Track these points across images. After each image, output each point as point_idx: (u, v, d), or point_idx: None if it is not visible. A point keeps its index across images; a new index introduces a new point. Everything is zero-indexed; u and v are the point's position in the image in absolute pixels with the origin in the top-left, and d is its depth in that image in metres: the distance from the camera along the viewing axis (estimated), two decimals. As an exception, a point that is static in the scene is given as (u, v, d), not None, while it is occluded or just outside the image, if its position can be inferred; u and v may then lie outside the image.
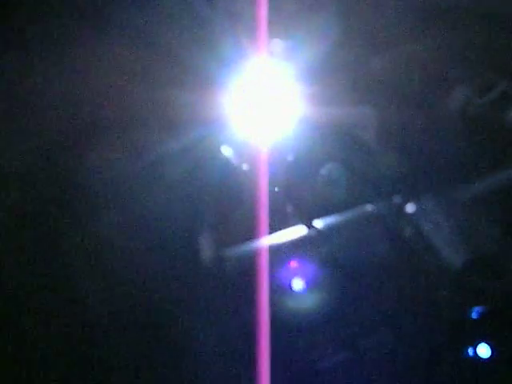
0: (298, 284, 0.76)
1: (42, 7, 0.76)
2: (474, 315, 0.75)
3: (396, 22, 0.86)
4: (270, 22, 0.80)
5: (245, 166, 0.87)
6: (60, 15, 0.73)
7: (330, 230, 0.67)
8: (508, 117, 0.74)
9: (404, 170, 0.82)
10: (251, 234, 0.79)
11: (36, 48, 0.78)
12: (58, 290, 0.77)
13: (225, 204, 0.85)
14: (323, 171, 0.84)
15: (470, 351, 0.79)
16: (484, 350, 0.78)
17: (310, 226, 0.70)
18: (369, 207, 0.70)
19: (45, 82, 0.79)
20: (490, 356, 0.78)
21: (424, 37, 0.80)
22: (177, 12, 0.85)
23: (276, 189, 0.85)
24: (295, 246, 0.66)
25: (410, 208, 0.68)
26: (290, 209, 0.81)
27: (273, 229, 0.80)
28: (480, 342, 0.78)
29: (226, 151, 0.85)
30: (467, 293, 0.61)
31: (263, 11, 0.81)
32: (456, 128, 0.83)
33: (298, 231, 0.69)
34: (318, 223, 0.69)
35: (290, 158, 0.86)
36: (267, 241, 0.68)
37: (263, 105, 0.86)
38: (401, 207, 0.68)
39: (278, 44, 0.84)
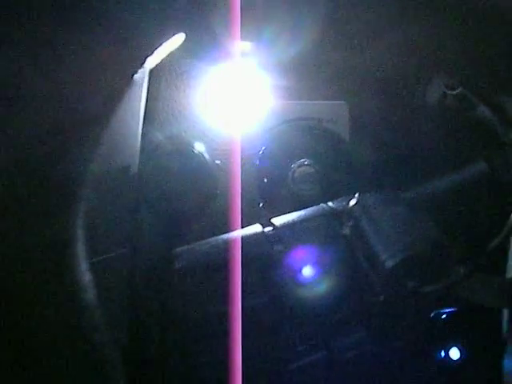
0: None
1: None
2: (444, 318, 0.73)
3: (371, 17, 0.84)
4: (243, 18, 0.79)
5: (217, 162, 0.87)
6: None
7: (286, 228, 0.66)
8: (476, 111, 0.71)
9: (376, 165, 0.80)
10: (224, 230, 0.78)
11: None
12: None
13: (198, 199, 0.85)
14: (295, 166, 0.82)
15: (441, 353, 0.77)
16: (455, 353, 0.77)
17: (267, 224, 0.68)
18: (329, 205, 0.68)
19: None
20: (461, 358, 0.76)
21: (400, 29, 0.78)
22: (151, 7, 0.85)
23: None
24: (249, 245, 0.65)
25: (351, 203, 0.66)
26: (261, 204, 0.79)
27: (246, 225, 0.79)
28: (451, 345, 0.76)
29: (199, 147, 0.85)
30: (400, 294, 0.59)
31: (236, 8, 0.80)
32: (432, 122, 0.81)
33: (254, 229, 0.68)
34: (277, 221, 0.68)
35: (261, 152, 0.84)
36: (220, 239, 0.67)
37: (235, 100, 0.85)
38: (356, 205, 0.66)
39: (250, 41, 0.83)
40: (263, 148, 0.86)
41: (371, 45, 0.83)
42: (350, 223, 0.66)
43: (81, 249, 0.47)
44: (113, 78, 0.43)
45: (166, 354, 0.78)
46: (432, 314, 0.73)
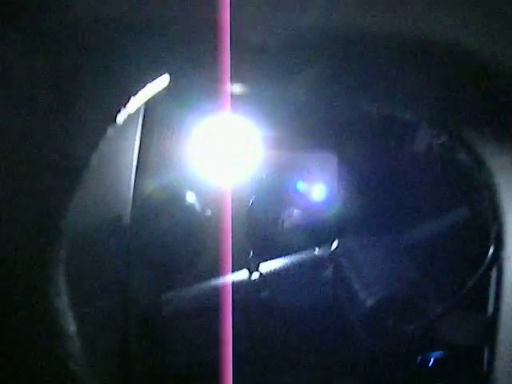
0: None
1: None
2: (431, 362, 0.73)
3: (360, 69, 0.86)
4: (232, 70, 0.81)
5: (208, 212, 0.88)
6: None
7: (272, 275, 0.66)
8: (461, 160, 0.73)
9: (362, 212, 0.81)
10: (215, 277, 0.79)
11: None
12: None
13: (188, 249, 0.85)
14: (283, 216, 0.84)
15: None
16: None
17: (254, 270, 0.69)
18: (314, 251, 0.69)
19: None
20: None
21: (388, 80, 0.80)
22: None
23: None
24: (235, 291, 0.65)
25: (333, 247, 0.67)
26: (251, 254, 0.80)
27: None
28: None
29: (190, 197, 0.86)
30: (379, 334, 0.59)
31: (226, 58, 0.82)
32: (419, 170, 0.82)
33: (241, 275, 0.69)
34: (264, 267, 0.68)
35: (251, 202, 0.86)
36: (208, 285, 0.68)
37: (225, 150, 0.87)
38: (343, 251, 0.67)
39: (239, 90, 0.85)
40: (253, 198, 0.87)
41: (360, 96, 0.85)
42: (332, 266, 0.67)
43: (66, 299, 0.47)
44: (95, 119, 0.44)
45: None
46: (418, 359, 0.73)
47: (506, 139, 0.40)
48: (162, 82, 0.46)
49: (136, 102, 0.44)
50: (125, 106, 0.42)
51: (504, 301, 0.40)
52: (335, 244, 0.69)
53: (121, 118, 0.43)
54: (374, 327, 0.61)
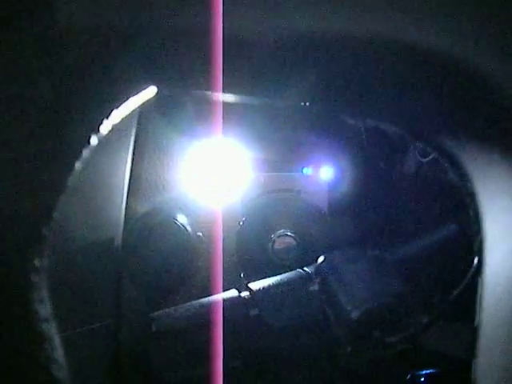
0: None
1: None
2: (421, 380, 0.73)
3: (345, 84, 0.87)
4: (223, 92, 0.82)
5: (199, 233, 0.88)
6: None
7: (261, 293, 0.67)
8: (449, 177, 0.74)
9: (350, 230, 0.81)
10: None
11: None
12: None
13: (180, 270, 0.86)
14: (274, 236, 0.84)
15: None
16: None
17: (243, 289, 0.69)
18: (304, 270, 0.70)
19: None
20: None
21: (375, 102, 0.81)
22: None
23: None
24: (225, 309, 0.66)
25: (319, 261, 0.68)
26: (242, 274, 0.81)
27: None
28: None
29: (182, 219, 0.87)
30: (366, 345, 0.59)
31: (218, 80, 0.83)
32: (409, 189, 0.83)
33: (230, 293, 0.69)
34: (254, 286, 0.69)
35: (241, 223, 0.86)
36: (197, 304, 0.68)
37: (216, 173, 0.88)
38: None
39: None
40: (243, 219, 0.88)
41: (347, 120, 0.86)
42: (318, 280, 0.67)
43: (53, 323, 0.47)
44: (79, 130, 0.45)
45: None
46: (409, 376, 0.73)
47: (486, 147, 0.40)
48: (149, 93, 0.46)
49: (120, 114, 0.45)
50: (108, 118, 0.42)
51: (485, 311, 0.40)
52: (321, 258, 0.69)
53: (104, 129, 0.43)
54: (360, 339, 0.61)
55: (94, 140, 0.46)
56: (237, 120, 0.87)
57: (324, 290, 0.67)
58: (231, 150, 0.88)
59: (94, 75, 0.43)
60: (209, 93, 0.46)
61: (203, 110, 0.89)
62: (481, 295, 0.42)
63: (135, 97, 0.49)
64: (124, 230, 0.86)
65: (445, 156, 0.49)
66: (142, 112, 0.90)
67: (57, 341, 0.47)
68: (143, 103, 0.51)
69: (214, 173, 0.89)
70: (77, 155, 0.43)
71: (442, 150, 0.45)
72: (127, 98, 0.49)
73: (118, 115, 0.47)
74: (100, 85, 0.44)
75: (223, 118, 0.83)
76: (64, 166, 0.44)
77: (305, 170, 0.89)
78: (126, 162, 0.88)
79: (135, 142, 0.88)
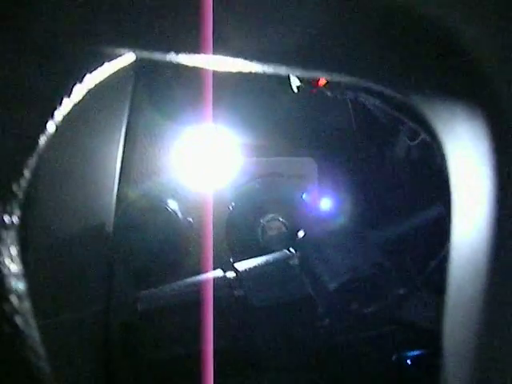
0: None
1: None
2: (408, 361, 0.72)
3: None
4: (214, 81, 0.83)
5: (190, 219, 0.89)
6: None
7: (247, 274, 0.67)
8: (435, 159, 0.74)
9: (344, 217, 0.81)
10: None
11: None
12: None
13: (170, 254, 0.86)
14: (263, 221, 0.84)
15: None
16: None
17: (228, 269, 0.70)
18: (289, 250, 0.70)
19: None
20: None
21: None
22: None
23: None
24: (210, 289, 0.66)
25: (299, 235, 0.68)
26: (231, 259, 0.81)
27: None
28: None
29: (172, 205, 0.87)
30: (344, 316, 0.59)
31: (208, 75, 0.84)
32: (398, 172, 0.83)
33: (216, 274, 0.69)
34: (239, 266, 0.69)
35: (230, 208, 0.87)
36: (183, 283, 0.68)
37: (206, 158, 0.88)
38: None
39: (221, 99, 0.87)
40: (233, 204, 0.88)
41: (337, 101, 0.86)
42: (298, 254, 0.67)
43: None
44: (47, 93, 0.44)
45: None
46: (394, 358, 0.72)
47: (453, 105, 0.40)
48: (127, 60, 0.46)
49: (94, 79, 0.44)
50: (81, 82, 0.42)
51: (451, 281, 0.40)
52: (302, 233, 0.69)
53: (77, 93, 0.43)
54: (338, 309, 0.61)
55: (65, 107, 0.46)
56: (226, 105, 0.88)
57: (303, 264, 0.67)
58: (221, 136, 0.88)
59: (62, 40, 0.43)
60: (197, 56, 0.44)
61: (193, 95, 0.90)
62: (448, 265, 0.41)
63: (110, 63, 0.48)
64: (115, 215, 0.87)
65: (414, 116, 0.49)
66: (133, 99, 0.90)
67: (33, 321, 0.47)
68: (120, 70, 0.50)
69: (203, 158, 0.89)
70: (48, 114, 0.43)
71: (410, 109, 0.44)
72: (101, 64, 0.48)
73: (91, 81, 0.47)
74: (70, 48, 0.44)
75: (213, 103, 0.84)
76: (33, 128, 0.44)
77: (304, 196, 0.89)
78: (118, 148, 0.88)
79: (127, 128, 0.89)
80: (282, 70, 0.40)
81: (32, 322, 0.45)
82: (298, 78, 0.86)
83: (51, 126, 0.48)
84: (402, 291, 0.59)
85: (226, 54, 0.43)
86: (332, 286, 0.60)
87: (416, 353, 0.72)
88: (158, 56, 0.49)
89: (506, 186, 0.36)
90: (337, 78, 0.39)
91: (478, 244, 0.37)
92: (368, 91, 0.48)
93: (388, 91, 0.40)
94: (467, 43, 0.34)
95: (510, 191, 0.36)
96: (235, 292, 0.69)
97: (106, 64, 0.48)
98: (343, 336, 0.66)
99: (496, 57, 0.34)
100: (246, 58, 0.43)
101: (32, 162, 0.44)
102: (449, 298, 0.40)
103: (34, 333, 0.43)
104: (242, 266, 0.71)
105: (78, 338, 0.88)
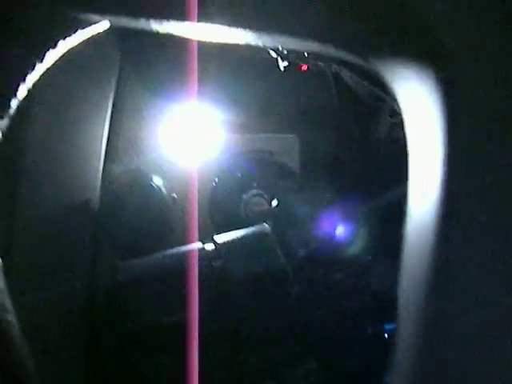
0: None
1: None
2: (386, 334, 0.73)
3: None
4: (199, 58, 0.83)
5: (174, 195, 0.90)
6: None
7: (225, 245, 0.68)
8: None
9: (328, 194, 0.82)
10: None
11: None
12: None
13: (155, 229, 0.87)
14: (246, 196, 0.85)
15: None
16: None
17: (207, 242, 0.70)
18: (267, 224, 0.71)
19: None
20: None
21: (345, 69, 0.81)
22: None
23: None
24: (189, 261, 0.67)
25: (273, 204, 0.69)
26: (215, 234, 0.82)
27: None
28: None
29: (157, 181, 0.88)
30: (313, 282, 0.60)
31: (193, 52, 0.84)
32: (380, 150, 0.83)
33: (195, 246, 0.70)
34: (219, 238, 0.70)
35: (214, 182, 0.87)
36: (161, 255, 0.69)
37: (191, 135, 0.89)
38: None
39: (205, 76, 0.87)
40: (216, 180, 0.89)
41: (320, 80, 0.87)
42: (271, 223, 0.68)
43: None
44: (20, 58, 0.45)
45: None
46: (371, 331, 0.73)
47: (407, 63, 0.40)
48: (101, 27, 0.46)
49: (67, 45, 0.45)
50: (54, 47, 0.42)
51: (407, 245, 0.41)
52: (275, 202, 0.70)
53: (50, 58, 0.43)
54: (307, 275, 0.62)
55: (37, 72, 0.47)
56: (211, 82, 0.89)
57: (276, 232, 0.68)
58: (205, 112, 0.89)
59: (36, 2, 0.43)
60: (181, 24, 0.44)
61: (179, 71, 0.90)
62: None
63: (84, 30, 0.48)
64: (100, 191, 0.88)
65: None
66: (120, 76, 0.91)
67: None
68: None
69: (188, 135, 0.90)
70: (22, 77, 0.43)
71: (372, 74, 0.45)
72: (75, 31, 0.48)
73: (64, 47, 0.47)
74: (43, 12, 0.44)
75: (198, 79, 0.84)
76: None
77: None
78: (104, 125, 0.89)
79: (113, 105, 0.90)
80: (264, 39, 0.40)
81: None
82: (285, 58, 0.87)
83: (23, 91, 0.49)
84: (369, 258, 0.60)
85: (210, 21, 0.44)
86: (301, 253, 0.61)
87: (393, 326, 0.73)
88: (135, 24, 0.50)
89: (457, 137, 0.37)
90: (299, 45, 0.40)
91: (431, 205, 0.38)
92: (331, 59, 0.48)
93: (350, 57, 0.41)
94: (419, 6, 0.35)
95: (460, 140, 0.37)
96: (213, 263, 0.70)
97: (81, 31, 0.48)
98: (315, 304, 0.67)
99: (445, 18, 0.34)
100: (229, 25, 0.44)
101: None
102: (404, 266, 0.41)
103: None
104: (220, 238, 0.72)
105: (64, 311, 0.89)
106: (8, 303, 0.45)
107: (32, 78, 0.47)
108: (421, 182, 0.40)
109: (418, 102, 0.40)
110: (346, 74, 0.79)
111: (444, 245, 0.37)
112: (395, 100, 0.43)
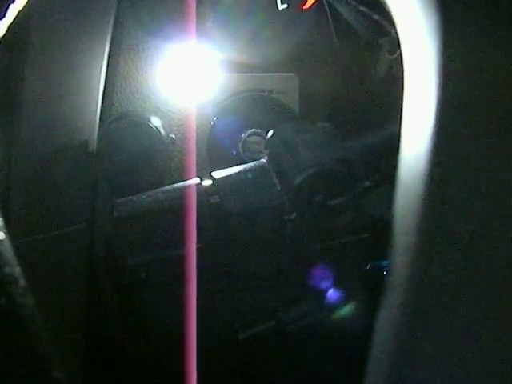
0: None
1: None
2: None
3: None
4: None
5: (172, 135, 0.89)
6: None
7: (223, 181, 0.67)
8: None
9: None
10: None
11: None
12: None
13: (153, 172, 0.87)
14: (244, 135, 0.84)
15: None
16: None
17: (204, 178, 0.70)
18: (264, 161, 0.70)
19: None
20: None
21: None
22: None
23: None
24: (186, 196, 0.66)
25: (269, 135, 0.68)
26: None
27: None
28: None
29: (155, 121, 0.87)
30: (309, 209, 0.60)
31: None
32: (380, 89, 0.82)
33: (193, 181, 0.70)
34: (216, 174, 0.69)
35: (212, 123, 0.87)
36: (160, 191, 0.69)
37: (189, 74, 0.88)
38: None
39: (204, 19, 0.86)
40: (214, 119, 0.88)
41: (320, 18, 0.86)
42: (267, 152, 0.67)
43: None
44: None
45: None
46: (369, 266, 0.73)
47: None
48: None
49: None
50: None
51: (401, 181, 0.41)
52: (271, 132, 0.69)
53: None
54: (302, 202, 0.61)
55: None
56: (209, 21, 0.87)
57: (272, 162, 0.67)
58: (203, 52, 0.88)
59: None
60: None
61: (176, 10, 0.89)
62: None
63: None
64: (98, 132, 0.87)
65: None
66: (117, 16, 0.90)
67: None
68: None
69: (186, 75, 0.89)
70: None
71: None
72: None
73: None
74: None
75: (196, 18, 0.83)
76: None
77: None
78: (101, 66, 0.88)
79: (110, 45, 0.89)
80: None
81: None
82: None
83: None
84: (366, 183, 0.60)
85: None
86: (297, 180, 0.60)
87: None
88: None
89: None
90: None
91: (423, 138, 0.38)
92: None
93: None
94: None
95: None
96: (211, 198, 0.69)
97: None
98: (312, 234, 0.66)
99: None
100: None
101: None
102: (399, 196, 0.40)
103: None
104: (218, 174, 0.71)
105: (66, 252, 0.89)
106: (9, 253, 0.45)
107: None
108: (415, 118, 0.40)
109: (417, 31, 0.39)
110: (345, 9, 0.77)
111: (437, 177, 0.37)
112: (395, 35, 0.42)
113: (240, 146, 0.85)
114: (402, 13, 0.41)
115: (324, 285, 0.78)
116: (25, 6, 0.46)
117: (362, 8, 0.54)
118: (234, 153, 0.85)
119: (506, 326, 0.36)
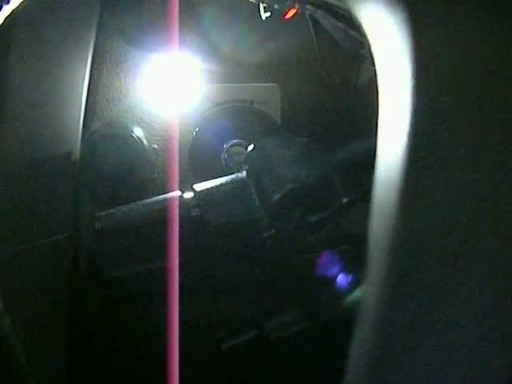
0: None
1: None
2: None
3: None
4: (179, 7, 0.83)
5: (155, 146, 0.89)
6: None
7: (204, 194, 0.68)
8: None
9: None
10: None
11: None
12: None
13: (135, 183, 0.87)
14: (227, 146, 0.85)
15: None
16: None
17: (185, 190, 0.70)
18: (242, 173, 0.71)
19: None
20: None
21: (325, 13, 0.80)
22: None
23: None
24: (168, 209, 0.66)
25: (249, 149, 0.68)
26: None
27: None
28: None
29: (138, 132, 0.87)
30: (288, 225, 0.60)
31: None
32: (363, 99, 0.83)
33: (174, 194, 0.70)
34: (198, 187, 0.70)
35: (195, 133, 0.87)
36: (140, 203, 0.69)
37: (171, 85, 0.88)
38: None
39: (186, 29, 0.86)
40: (196, 129, 0.88)
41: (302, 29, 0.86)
42: (247, 167, 0.68)
43: None
44: None
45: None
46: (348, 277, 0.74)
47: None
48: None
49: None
50: None
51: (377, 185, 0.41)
52: (251, 147, 0.70)
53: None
54: (281, 218, 0.61)
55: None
56: (191, 31, 0.88)
57: (252, 177, 0.67)
58: (186, 62, 0.88)
59: None
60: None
61: (159, 21, 0.89)
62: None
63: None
64: (81, 143, 0.87)
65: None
66: (100, 26, 0.90)
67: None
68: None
69: (169, 85, 0.89)
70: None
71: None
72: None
73: None
74: None
75: (178, 29, 0.83)
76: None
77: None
78: (84, 76, 0.88)
79: (93, 55, 0.89)
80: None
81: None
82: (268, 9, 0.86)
83: None
84: (344, 200, 0.60)
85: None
86: (275, 196, 0.61)
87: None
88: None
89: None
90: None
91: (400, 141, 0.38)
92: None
93: None
94: None
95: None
96: (192, 211, 0.69)
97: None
98: (291, 248, 0.67)
99: None
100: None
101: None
102: (374, 204, 0.41)
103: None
104: (199, 186, 0.71)
105: (48, 264, 0.89)
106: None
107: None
108: (390, 130, 0.40)
109: (388, 43, 0.39)
110: (326, 21, 0.78)
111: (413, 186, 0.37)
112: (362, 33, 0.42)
113: (222, 156, 0.85)
114: (372, 24, 0.41)
115: (305, 295, 0.79)
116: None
117: (340, 24, 0.54)
118: (217, 163, 0.84)
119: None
